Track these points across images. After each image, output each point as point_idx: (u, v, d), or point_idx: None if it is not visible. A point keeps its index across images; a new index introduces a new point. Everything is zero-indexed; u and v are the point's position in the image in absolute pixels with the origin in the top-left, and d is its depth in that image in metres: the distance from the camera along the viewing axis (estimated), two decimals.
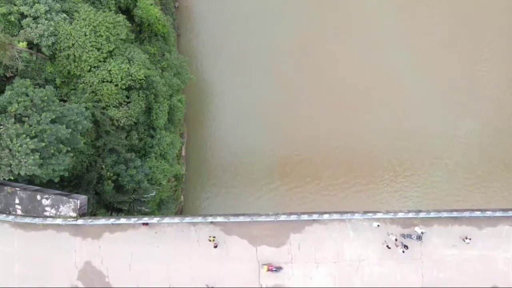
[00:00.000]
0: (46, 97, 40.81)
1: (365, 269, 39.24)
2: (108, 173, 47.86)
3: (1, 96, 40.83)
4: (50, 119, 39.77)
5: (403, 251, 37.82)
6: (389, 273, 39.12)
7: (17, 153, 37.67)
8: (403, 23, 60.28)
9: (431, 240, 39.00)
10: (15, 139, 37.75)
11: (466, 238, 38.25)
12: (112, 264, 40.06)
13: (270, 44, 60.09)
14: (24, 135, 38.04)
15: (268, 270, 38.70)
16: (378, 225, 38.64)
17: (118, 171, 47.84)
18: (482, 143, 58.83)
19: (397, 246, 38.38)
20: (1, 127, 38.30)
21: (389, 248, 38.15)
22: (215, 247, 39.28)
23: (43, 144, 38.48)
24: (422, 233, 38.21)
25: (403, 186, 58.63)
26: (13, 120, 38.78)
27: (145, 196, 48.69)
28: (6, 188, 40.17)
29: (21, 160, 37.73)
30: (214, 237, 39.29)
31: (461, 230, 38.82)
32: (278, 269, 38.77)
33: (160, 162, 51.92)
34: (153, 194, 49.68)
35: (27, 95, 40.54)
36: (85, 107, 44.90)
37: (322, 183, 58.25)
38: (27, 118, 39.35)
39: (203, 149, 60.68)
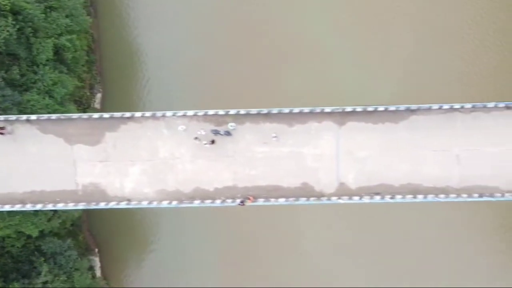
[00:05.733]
0: None
1: (179, 166, 39.63)
2: None
3: None
4: None
5: (205, 143, 38.20)
6: (202, 171, 39.54)
7: None
8: None
9: (244, 137, 39.36)
10: None
11: (275, 136, 38.68)
12: None
13: None
14: None
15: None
16: (185, 129, 38.72)
17: None
18: None
19: (205, 142, 38.58)
20: None
21: (197, 139, 38.36)
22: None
23: None
24: (231, 126, 38.52)
25: None
26: None
27: None
28: None
29: None
30: None
31: (272, 127, 39.18)
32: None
33: (44, 98, 52.10)
34: None
35: None
36: None
37: None
38: None
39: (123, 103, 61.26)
